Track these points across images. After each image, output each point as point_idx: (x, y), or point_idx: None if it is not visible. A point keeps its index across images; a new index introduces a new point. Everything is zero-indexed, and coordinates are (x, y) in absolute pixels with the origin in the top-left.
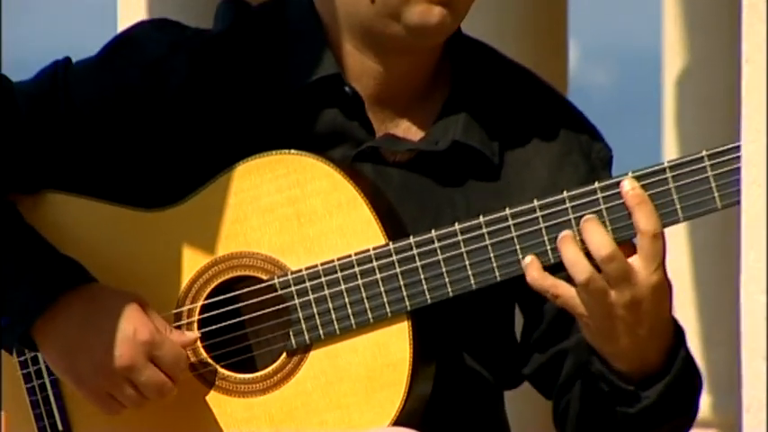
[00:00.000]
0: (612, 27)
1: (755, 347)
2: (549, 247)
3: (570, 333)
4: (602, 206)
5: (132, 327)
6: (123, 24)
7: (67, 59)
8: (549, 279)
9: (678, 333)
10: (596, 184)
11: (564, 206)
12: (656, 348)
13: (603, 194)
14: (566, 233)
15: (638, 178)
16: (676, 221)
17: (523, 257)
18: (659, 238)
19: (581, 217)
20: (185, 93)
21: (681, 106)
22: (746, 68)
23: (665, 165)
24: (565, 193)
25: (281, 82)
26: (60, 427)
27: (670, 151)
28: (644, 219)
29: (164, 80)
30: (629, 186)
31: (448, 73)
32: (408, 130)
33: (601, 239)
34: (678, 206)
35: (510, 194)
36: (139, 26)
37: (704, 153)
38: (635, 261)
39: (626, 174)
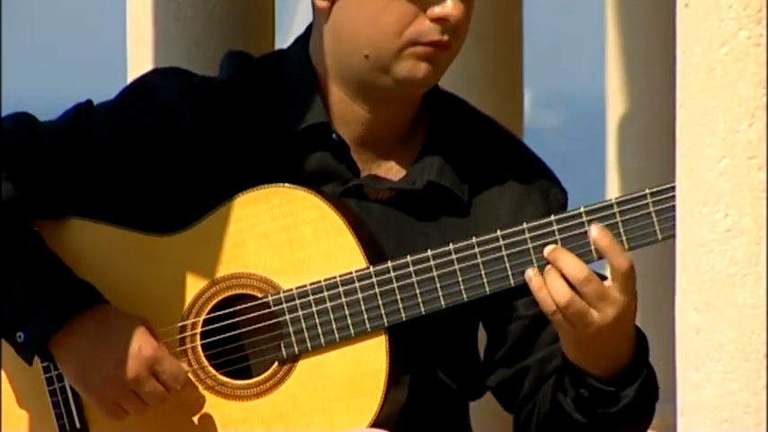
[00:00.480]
0: (562, 76)
1: (688, 359)
2: (510, 272)
3: (532, 351)
4: (558, 236)
5: (138, 344)
6: (133, 71)
7: (89, 102)
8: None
9: (639, 332)
10: (552, 217)
11: (523, 236)
12: (627, 351)
13: (559, 226)
14: (548, 267)
15: (588, 212)
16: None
17: (488, 281)
18: (632, 267)
19: (539, 246)
20: (192, 134)
21: (622, 145)
22: (680, 113)
23: (613, 201)
24: (524, 225)
25: (277, 127)
26: (78, 425)
27: (613, 185)
28: (619, 258)
29: (173, 123)
30: (596, 233)
31: (425, 121)
32: (389, 171)
33: (575, 264)
34: (624, 238)
35: (477, 230)
36: (153, 74)
37: (647, 191)
38: (610, 283)
39: (579, 207)
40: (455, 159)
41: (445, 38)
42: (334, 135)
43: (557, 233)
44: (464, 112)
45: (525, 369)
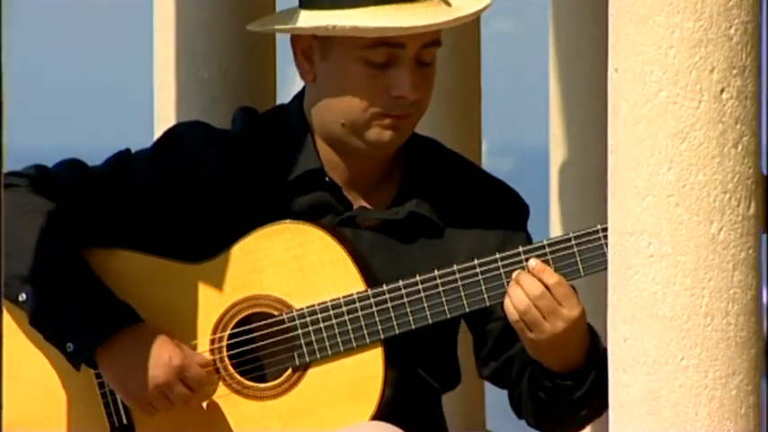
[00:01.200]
0: (513, 129)
1: (618, 362)
2: (486, 296)
3: (513, 344)
4: (524, 264)
5: (168, 355)
6: (159, 123)
7: (128, 150)
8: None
9: (593, 333)
10: (520, 248)
11: (497, 264)
12: (579, 355)
13: (525, 256)
14: (512, 282)
15: (550, 245)
16: (579, 276)
17: (467, 302)
18: (563, 284)
19: (509, 272)
20: (215, 178)
21: (563, 187)
22: (611, 158)
23: (571, 235)
24: (497, 255)
25: (282, 172)
26: (125, 421)
27: (555, 221)
28: (548, 276)
29: (198, 168)
30: (533, 263)
31: (403, 160)
32: (375, 204)
33: (533, 283)
34: (580, 266)
35: (451, 249)
36: (179, 126)
37: (599, 227)
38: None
39: (542, 241)
40: (430, 191)
41: (405, 112)
42: (327, 178)
43: (524, 261)
44: (435, 150)
45: (511, 358)
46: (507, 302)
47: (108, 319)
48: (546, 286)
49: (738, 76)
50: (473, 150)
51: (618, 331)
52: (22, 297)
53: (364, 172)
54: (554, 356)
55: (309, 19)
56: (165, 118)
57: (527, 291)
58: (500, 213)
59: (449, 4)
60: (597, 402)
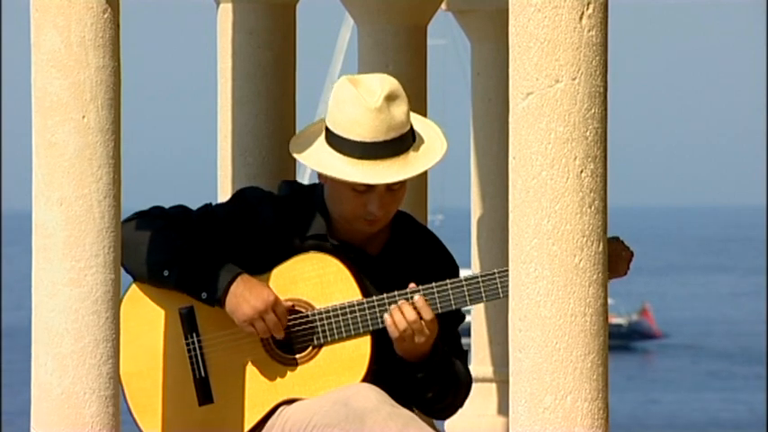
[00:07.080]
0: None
1: (515, 345)
2: (438, 305)
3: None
4: (464, 287)
5: (265, 293)
6: (221, 190)
7: (210, 203)
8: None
9: (437, 345)
10: (448, 281)
11: (432, 288)
12: (427, 350)
13: (451, 286)
14: (394, 308)
15: (466, 279)
16: (498, 298)
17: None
18: (434, 319)
19: (453, 290)
20: (270, 223)
21: (480, 233)
22: (511, 214)
23: (478, 274)
24: (448, 281)
25: (308, 228)
26: (203, 374)
27: (474, 255)
28: (426, 311)
29: (256, 214)
30: (416, 298)
31: (389, 226)
32: (371, 250)
33: (410, 312)
34: (483, 294)
35: (412, 278)
36: (247, 188)
37: (495, 270)
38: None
39: (461, 278)
40: (405, 241)
41: (378, 218)
42: (329, 243)
43: (464, 287)
44: (407, 217)
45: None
46: (389, 321)
47: (224, 274)
48: (420, 317)
49: (592, 162)
50: (420, 212)
51: (515, 325)
52: (165, 273)
53: (358, 235)
54: (411, 354)
55: (317, 159)
56: (224, 187)
57: (406, 316)
58: (441, 258)
59: (417, 150)
60: (437, 388)
